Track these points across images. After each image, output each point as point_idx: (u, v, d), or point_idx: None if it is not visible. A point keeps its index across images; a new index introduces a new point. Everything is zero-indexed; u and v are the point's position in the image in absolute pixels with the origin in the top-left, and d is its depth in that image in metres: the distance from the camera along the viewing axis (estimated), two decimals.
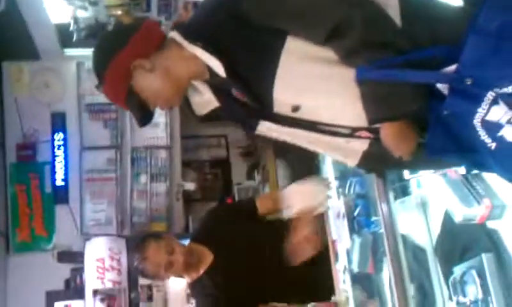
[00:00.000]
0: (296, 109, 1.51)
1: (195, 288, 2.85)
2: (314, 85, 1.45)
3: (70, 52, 5.74)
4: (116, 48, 1.56)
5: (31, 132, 5.64)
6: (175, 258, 2.60)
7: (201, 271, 2.73)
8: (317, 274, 2.63)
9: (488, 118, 1.26)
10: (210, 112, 1.68)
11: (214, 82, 1.57)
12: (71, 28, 5.43)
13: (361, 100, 1.40)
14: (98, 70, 1.62)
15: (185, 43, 1.52)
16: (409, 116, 1.38)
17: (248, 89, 1.50)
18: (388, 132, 1.42)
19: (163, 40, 1.60)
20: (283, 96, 1.49)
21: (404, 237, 2.16)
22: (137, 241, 2.78)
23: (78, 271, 5.37)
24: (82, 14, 5.47)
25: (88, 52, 5.67)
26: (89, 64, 5.70)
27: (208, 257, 2.73)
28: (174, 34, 1.56)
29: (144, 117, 1.67)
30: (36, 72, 5.70)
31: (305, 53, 1.42)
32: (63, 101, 5.78)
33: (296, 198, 2.56)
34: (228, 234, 2.77)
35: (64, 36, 5.52)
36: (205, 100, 1.66)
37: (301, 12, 1.40)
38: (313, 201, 2.51)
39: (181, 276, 2.80)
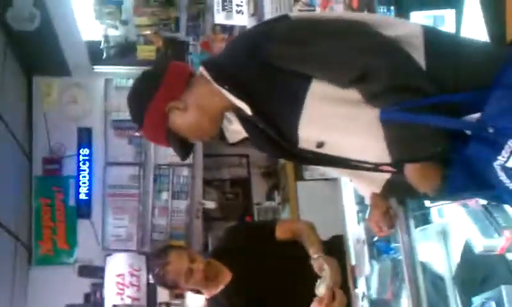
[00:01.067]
0: (320, 145, 1.57)
1: (212, 306, 2.87)
2: (338, 124, 1.50)
3: (99, 68, 5.87)
4: (149, 95, 1.64)
5: (58, 146, 5.76)
6: (195, 267, 2.60)
7: (220, 287, 2.73)
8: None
9: (508, 164, 1.31)
10: (240, 140, 1.77)
11: (242, 114, 1.62)
12: (101, 46, 5.57)
13: (384, 141, 1.43)
14: (136, 118, 1.70)
15: (214, 83, 1.58)
16: (432, 158, 1.41)
17: (273, 128, 1.56)
18: (412, 171, 1.45)
19: (191, 77, 1.67)
20: (308, 134, 1.54)
21: (423, 265, 2.16)
22: (159, 249, 2.79)
23: (98, 286, 5.42)
24: (113, 32, 5.63)
25: (117, 69, 5.85)
26: (117, 81, 5.84)
27: (226, 275, 2.74)
28: (203, 72, 1.62)
29: (186, 150, 1.75)
30: (65, 88, 5.83)
31: (330, 94, 1.47)
32: (90, 117, 5.90)
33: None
34: (247, 254, 2.77)
35: (94, 53, 5.65)
36: (234, 129, 1.74)
37: (327, 60, 1.45)
38: None
39: (199, 290, 2.81)
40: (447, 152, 1.38)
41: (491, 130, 1.29)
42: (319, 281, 2.43)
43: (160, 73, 1.67)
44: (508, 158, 1.29)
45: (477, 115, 1.32)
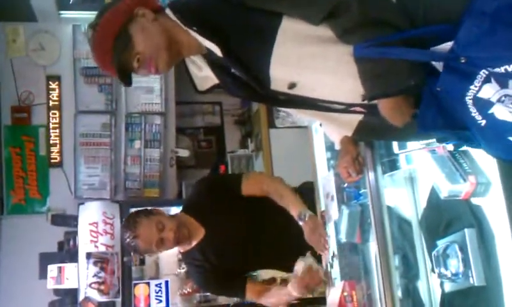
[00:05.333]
0: (292, 86, 1.55)
1: (187, 259, 2.88)
2: (309, 63, 1.48)
3: (67, 14, 5.72)
4: None
5: (26, 94, 5.65)
6: (165, 235, 2.58)
7: (194, 243, 2.74)
8: (304, 246, 2.66)
9: (479, 95, 1.30)
10: (211, 87, 1.73)
11: (212, 58, 1.59)
12: None
13: (359, 77, 1.43)
14: (98, 14, 1.59)
15: (182, 25, 1.54)
16: (406, 92, 1.42)
17: (245, 68, 1.53)
18: (386, 105, 1.46)
19: (160, 9, 1.60)
20: (279, 74, 1.52)
21: (391, 209, 2.21)
22: (128, 218, 2.74)
23: (71, 234, 5.41)
24: None
25: (84, 14, 5.69)
26: (85, 27, 5.68)
27: (199, 231, 2.74)
28: (170, 14, 1.57)
29: (126, 75, 1.64)
30: (32, 34, 5.70)
31: (301, 32, 1.45)
32: (58, 64, 5.79)
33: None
34: (217, 208, 2.76)
35: None
36: (204, 76, 1.70)
37: None
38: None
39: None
40: (421, 85, 1.38)
41: (463, 60, 1.29)
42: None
43: None
44: (480, 88, 1.29)
45: (448, 45, 1.31)
